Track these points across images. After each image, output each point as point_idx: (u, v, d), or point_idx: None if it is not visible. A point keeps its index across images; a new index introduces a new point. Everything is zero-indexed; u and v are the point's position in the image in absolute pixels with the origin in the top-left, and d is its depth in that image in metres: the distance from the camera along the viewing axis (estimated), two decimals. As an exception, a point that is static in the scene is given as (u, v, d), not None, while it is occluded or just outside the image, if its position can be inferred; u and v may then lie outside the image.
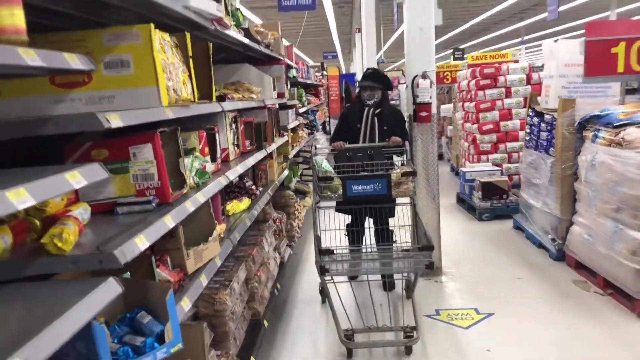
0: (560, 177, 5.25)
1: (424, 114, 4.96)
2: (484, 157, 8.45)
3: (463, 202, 7.83)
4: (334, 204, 4.46)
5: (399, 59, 34.08)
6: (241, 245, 3.92)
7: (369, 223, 4.80)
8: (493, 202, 7.13)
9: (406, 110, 5.38)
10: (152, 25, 1.99)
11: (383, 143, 4.66)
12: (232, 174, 3.05)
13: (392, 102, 5.67)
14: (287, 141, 5.66)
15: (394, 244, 4.59)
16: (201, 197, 2.39)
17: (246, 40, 3.69)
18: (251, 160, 3.67)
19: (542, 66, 7.47)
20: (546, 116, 5.69)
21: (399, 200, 4.45)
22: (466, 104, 9.17)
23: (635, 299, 3.99)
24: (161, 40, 2.08)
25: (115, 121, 1.57)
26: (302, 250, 6.16)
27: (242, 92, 3.77)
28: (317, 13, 14.74)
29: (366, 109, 4.81)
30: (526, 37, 25.53)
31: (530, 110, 6.33)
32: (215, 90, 2.95)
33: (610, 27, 5.25)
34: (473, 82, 8.73)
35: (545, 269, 5.15)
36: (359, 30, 16.92)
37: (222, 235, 2.90)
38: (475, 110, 8.55)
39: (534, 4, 18.63)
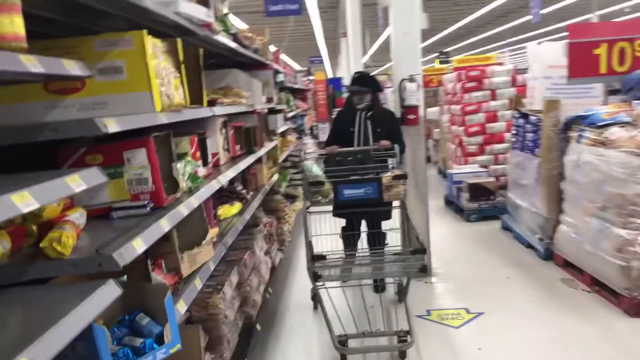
0: (546, 177, 5.32)
1: (411, 116, 5.02)
2: (470, 159, 8.52)
3: (451, 203, 7.90)
4: (324, 208, 4.42)
5: (384, 63, 34.24)
6: (232, 249, 3.93)
7: (359, 226, 4.80)
8: (481, 203, 7.20)
9: (394, 113, 5.42)
10: (144, 32, 2.02)
11: (374, 146, 4.62)
12: (224, 178, 3.08)
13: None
14: (277, 146, 5.69)
15: (386, 247, 4.60)
16: (194, 201, 2.41)
17: (235, 46, 3.72)
18: (242, 165, 3.70)
19: (527, 68, 7.57)
20: (531, 117, 5.77)
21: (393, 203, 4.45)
22: (452, 106, 9.26)
23: (621, 295, 4.07)
24: (153, 46, 2.11)
25: (112, 126, 1.60)
26: (292, 255, 6.18)
27: (232, 96, 3.79)
28: (302, 18, 14.80)
29: (358, 112, 4.78)
30: (510, 40, 25.79)
31: (515, 112, 6.41)
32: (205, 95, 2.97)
33: (592, 29, 5.37)
34: (459, 85, 8.83)
35: (533, 268, 5.22)
36: (345, 35, 17.02)
37: (214, 240, 2.92)
38: (462, 112, 8.64)
39: (518, 7, 18.83)
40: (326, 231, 4.47)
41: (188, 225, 2.49)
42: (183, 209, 2.23)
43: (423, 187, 5.23)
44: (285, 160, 6.92)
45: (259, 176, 4.65)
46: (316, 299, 4.37)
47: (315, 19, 16.60)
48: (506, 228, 6.51)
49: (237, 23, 12.72)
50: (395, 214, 4.70)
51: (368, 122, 4.77)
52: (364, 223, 4.81)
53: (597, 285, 4.43)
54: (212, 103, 3.19)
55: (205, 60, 3.08)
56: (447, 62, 18.26)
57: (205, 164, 3.03)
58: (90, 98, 2.01)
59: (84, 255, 1.59)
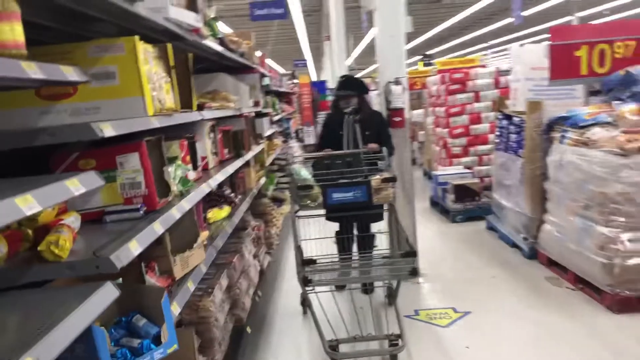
0: (530, 177, 5.41)
1: (397, 119, 5.08)
2: (455, 160, 8.61)
3: (437, 205, 7.98)
4: (313, 212, 4.38)
5: (368, 65, 34.40)
6: (222, 253, 3.95)
7: (352, 230, 4.77)
8: (466, 204, 7.29)
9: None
10: (136, 38, 2.04)
11: (362, 149, 4.56)
12: (214, 182, 3.11)
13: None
14: (263, 149, 5.72)
15: (375, 251, 4.60)
16: (186, 204, 2.44)
17: (222, 50, 3.74)
18: (230, 169, 3.72)
19: (509, 70, 7.68)
20: (515, 119, 5.86)
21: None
22: (436, 109, 9.35)
23: (604, 292, 4.15)
24: (145, 51, 2.13)
25: (108, 130, 1.62)
26: (280, 258, 6.20)
27: (220, 100, 3.82)
28: (286, 21, 14.86)
29: (346, 116, 4.78)
30: (492, 42, 26.06)
31: (499, 113, 6.50)
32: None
33: (573, 31, 5.47)
34: (443, 87, 8.92)
35: (518, 267, 5.30)
36: (328, 38, 17.10)
37: (205, 243, 2.94)
38: (446, 114, 8.73)
39: (499, 10, 19.05)
40: (315, 235, 4.42)
41: (179, 228, 2.51)
42: (175, 212, 2.26)
43: (409, 188, 5.29)
44: (272, 163, 6.95)
45: (247, 180, 4.68)
46: (305, 303, 4.33)
47: (299, 22, 16.67)
48: (491, 228, 6.59)
49: (221, 27, 12.72)
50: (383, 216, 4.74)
51: (356, 125, 4.76)
52: (355, 226, 4.80)
53: (581, 283, 4.51)
54: (200, 107, 3.21)
55: (194, 65, 3.11)
56: (430, 64, 18.43)
57: (195, 167, 3.05)
58: (82, 103, 2.03)
59: (80, 258, 1.61)
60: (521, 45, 6.57)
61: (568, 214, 4.67)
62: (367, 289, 4.69)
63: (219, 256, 3.84)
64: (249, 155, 4.53)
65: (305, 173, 4.16)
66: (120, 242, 1.71)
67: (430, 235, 6.67)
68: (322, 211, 4.38)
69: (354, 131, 4.77)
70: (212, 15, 3.54)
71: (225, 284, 3.51)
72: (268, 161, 6.15)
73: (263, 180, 5.56)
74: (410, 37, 5.64)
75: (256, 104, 5.13)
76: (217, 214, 3.53)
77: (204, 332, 3.04)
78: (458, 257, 5.82)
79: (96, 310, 1.43)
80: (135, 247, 1.73)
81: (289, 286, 5.23)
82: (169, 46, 2.46)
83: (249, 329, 3.77)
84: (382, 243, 4.71)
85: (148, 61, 2.14)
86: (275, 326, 4.42)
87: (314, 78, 26.70)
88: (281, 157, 7.79)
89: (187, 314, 3.05)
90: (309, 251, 4.12)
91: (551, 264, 5.05)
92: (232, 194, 4.02)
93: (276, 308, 4.79)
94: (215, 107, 3.54)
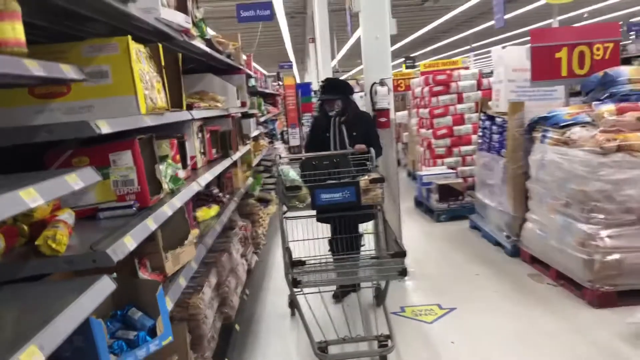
0: (512, 176, 5.52)
1: (383, 119, 5.16)
2: (439, 160, 8.71)
3: (421, 204, 8.08)
4: (300, 213, 4.32)
5: (352, 67, 34.54)
6: (210, 251, 3.98)
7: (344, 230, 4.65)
8: (450, 203, 7.39)
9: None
10: (129, 37, 2.08)
11: (350, 150, 4.57)
12: (203, 181, 3.14)
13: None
14: (250, 150, 5.75)
15: (362, 251, 4.59)
16: (177, 202, 2.48)
17: (211, 51, 3.78)
18: (218, 168, 3.76)
19: (491, 72, 7.80)
20: (497, 119, 5.97)
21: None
22: (420, 110, 9.46)
23: (585, 287, 4.26)
24: (137, 51, 2.17)
25: (104, 127, 1.66)
26: (267, 257, 6.24)
27: (208, 101, 3.85)
28: (270, 23, 14.90)
29: (332, 118, 4.77)
30: (475, 45, 26.32)
31: (481, 114, 6.62)
32: (183, 99, 3.03)
33: (554, 34, 5.60)
34: (426, 89, 9.03)
35: (501, 264, 5.40)
36: (313, 40, 17.18)
37: (195, 241, 2.98)
38: (430, 116, 8.83)
39: (482, 13, 19.27)
40: (302, 236, 4.37)
41: (171, 226, 2.55)
42: (167, 209, 2.30)
43: (395, 188, 5.36)
44: (258, 164, 6.98)
45: (235, 180, 4.71)
46: (293, 305, 4.29)
47: (283, 24, 16.71)
48: (475, 227, 6.70)
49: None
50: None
51: (342, 126, 4.76)
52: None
53: (562, 279, 4.62)
54: (189, 107, 3.25)
55: (183, 65, 3.14)
56: (413, 66, 18.59)
57: (184, 166, 3.09)
58: (76, 102, 2.06)
59: (78, 252, 1.64)
60: (503, 47, 6.68)
61: (549, 212, 4.78)
62: (355, 287, 4.70)
63: (207, 255, 3.87)
64: (236, 156, 4.57)
65: (293, 174, 4.14)
66: (115, 237, 1.75)
67: (415, 234, 6.76)
68: (311, 212, 4.34)
69: (341, 133, 4.76)
70: (200, 17, 3.58)
71: (214, 281, 3.55)
72: (254, 162, 6.19)
73: (250, 180, 5.60)
74: (393, 39, 5.71)
75: (243, 104, 5.17)
76: (206, 212, 3.57)
77: (194, 329, 3.07)
78: (442, 256, 5.91)
79: (94, 302, 1.47)
80: (130, 242, 1.77)
81: (275, 285, 5.28)
82: (160, 46, 2.50)
83: (237, 327, 3.81)
84: (368, 243, 4.73)
85: (140, 61, 2.18)
86: (263, 324, 4.46)
87: (299, 80, 26.76)
88: (267, 158, 7.82)
89: (178, 311, 3.08)
90: (297, 253, 4.09)
91: (533, 261, 5.16)
92: (221, 194, 4.06)
93: (264, 307, 4.83)
94: (204, 107, 3.58)
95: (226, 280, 3.84)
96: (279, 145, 11.00)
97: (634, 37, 14.19)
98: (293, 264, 3.64)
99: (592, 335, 3.78)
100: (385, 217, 4.38)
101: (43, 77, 1.32)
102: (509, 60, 6.28)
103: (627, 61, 10.67)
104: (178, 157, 2.93)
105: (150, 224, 2.03)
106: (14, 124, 2.00)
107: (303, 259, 3.77)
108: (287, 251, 3.88)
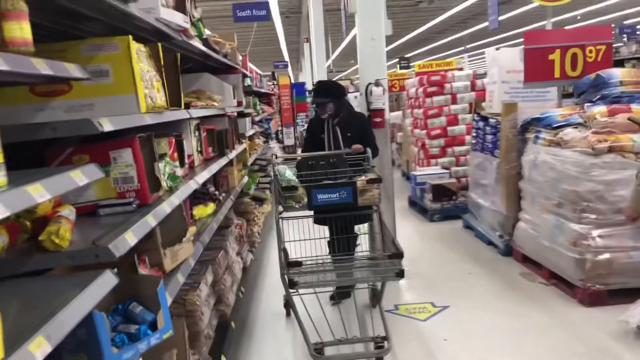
0: (505, 176, 5.57)
1: (378, 119, 5.20)
2: (433, 161, 8.76)
3: (415, 204, 8.13)
4: (296, 214, 4.24)
5: (347, 68, 34.61)
6: (206, 249, 4.01)
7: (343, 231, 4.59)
8: (443, 203, 7.45)
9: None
10: (130, 37, 2.11)
11: (346, 150, 4.52)
12: (200, 179, 3.18)
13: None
14: (246, 149, 5.79)
15: (357, 252, 4.57)
16: (175, 199, 2.51)
17: (208, 50, 3.82)
18: (215, 166, 3.79)
19: (485, 73, 7.86)
20: (491, 120, 6.03)
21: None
22: (415, 110, 9.51)
23: (576, 286, 4.32)
24: (138, 50, 2.21)
25: (107, 125, 1.70)
26: (262, 256, 6.28)
27: (204, 100, 3.88)
28: (265, 23, 14.94)
29: (326, 120, 4.76)
30: (469, 46, 26.45)
31: (475, 115, 6.67)
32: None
33: (547, 36, 5.65)
34: (421, 89, 9.07)
35: (494, 263, 5.45)
36: (307, 40, 17.22)
37: (192, 238, 3.01)
38: (424, 116, 8.88)
39: (476, 14, 19.38)
40: (298, 236, 4.33)
41: (169, 223, 2.58)
42: (166, 207, 2.33)
43: (389, 188, 5.41)
44: (253, 163, 7.02)
45: (231, 178, 4.74)
46: (289, 305, 4.25)
47: (278, 24, 16.74)
48: (468, 227, 6.75)
49: (201, 28, 12.72)
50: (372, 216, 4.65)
51: (337, 128, 4.74)
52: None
53: (554, 278, 4.68)
54: (187, 106, 3.28)
55: (180, 65, 3.17)
56: (407, 67, 18.67)
57: (182, 165, 3.12)
58: (77, 100, 2.09)
59: (81, 247, 1.68)
60: (497, 48, 6.74)
61: (542, 212, 4.84)
62: (350, 291, 4.66)
63: (204, 252, 3.90)
64: (232, 155, 4.60)
65: (289, 174, 4.09)
66: (116, 233, 1.78)
67: (409, 233, 6.81)
68: (307, 212, 4.27)
69: (335, 134, 4.75)
70: (198, 17, 3.61)
71: (211, 279, 3.58)
72: (250, 161, 6.23)
73: (245, 179, 5.63)
74: (388, 40, 5.75)
75: (239, 103, 5.20)
76: (202, 210, 3.60)
77: (191, 326, 3.10)
78: (436, 255, 5.96)
79: (97, 296, 1.51)
80: (131, 238, 1.80)
81: (270, 283, 5.32)
82: (159, 46, 2.53)
83: (233, 324, 3.84)
84: (364, 244, 4.75)
85: (141, 60, 2.21)
86: (259, 323, 4.50)
87: (293, 80, 26.78)
88: (262, 158, 7.87)
89: (175, 308, 3.11)
90: (293, 253, 4.05)
91: (525, 260, 5.22)
92: (217, 192, 4.09)
93: (259, 305, 4.87)
94: (201, 106, 3.61)
95: (222, 277, 3.88)
96: (274, 144, 11.04)
97: (626, 39, 14.31)
98: (289, 265, 3.62)
99: (583, 333, 3.84)
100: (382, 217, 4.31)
101: (49, 76, 1.35)
102: (503, 62, 6.34)
103: (619, 63, 10.78)
104: (176, 155, 2.96)
105: (150, 220, 2.07)
106: (15, 121, 2.03)
107: (299, 259, 3.74)
108: (283, 251, 3.85)
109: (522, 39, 5.56)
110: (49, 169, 1.49)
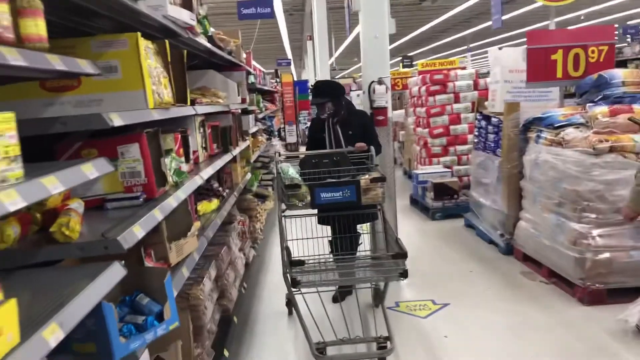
0: (507, 175, 5.61)
1: (380, 117, 5.23)
2: (435, 159, 8.80)
3: (416, 203, 8.16)
4: (299, 212, 4.21)
5: (350, 66, 34.61)
6: (210, 245, 4.05)
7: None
8: (445, 202, 7.48)
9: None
10: (138, 34, 2.15)
11: (350, 148, 4.50)
12: (205, 174, 3.22)
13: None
14: (249, 146, 5.83)
15: (359, 251, 4.56)
16: (181, 194, 2.55)
17: (213, 48, 3.85)
18: (219, 163, 3.83)
19: (488, 73, 7.89)
20: (493, 119, 6.06)
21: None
22: (417, 109, 9.53)
23: (576, 285, 4.35)
24: (146, 47, 2.24)
25: (116, 120, 1.74)
26: (264, 253, 6.32)
27: (209, 96, 3.92)
28: (269, 20, 14.97)
29: (326, 120, 4.75)
30: (472, 45, 26.44)
31: (478, 114, 6.70)
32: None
33: (550, 36, 5.68)
34: (423, 88, 9.10)
35: (495, 262, 5.49)
36: (310, 38, 17.25)
37: (197, 233, 3.05)
38: (426, 115, 8.91)
39: (479, 13, 19.38)
40: (301, 235, 4.28)
41: (174, 217, 2.62)
42: (172, 201, 2.37)
43: (391, 187, 5.44)
44: (255, 161, 7.06)
45: (234, 175, 4.78)
46: (291, 304, 4.22)
47: (282, 22, 16.77)
48: (469, 225, 6.79)
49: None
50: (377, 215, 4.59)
51: (337, 126, 4.73)
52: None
53: (554, 277, 4.71)
54: (192, 102, 3.32)
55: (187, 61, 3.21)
56: (411, 65, 18.69)
57: (187, 160, 3.15)
58: (85, 95, 2.13)
59: (90, 239, 1.72)
60: (500, 48, 6.76)
61: (543, 211, 4.87)
62: (350, 291, 4.64)
63: (207, 248, 3.94)
64: (236, 151, 4.64)
65: (292, 172, 4.07)
66: (125, 226, 1.82)
67: (410, 232, 6.84)
68: (309, 211, 4.25)
69: (336, 133, 4.74)
70: (204, 14, 3.65)
71: (214, 274, 3.62)
72: (253, 158, 6.27)
73: (248, 176, 5.67)
74: (391, 39, 5.77)
75: (243, 101, 5.24)
76: (206, 206, 3.64)
77: (194, 320, 3.14)
78: (437, 253, 6.00)
79: (107, 286, 1.55)
80: (139, 231, 1.84)
81: (272, 280, 5.36)
82: (167, 43, 2.57)
83: (235, 319, 3.88)
84: (367, 243, 4.75)
85: (149, 57, 2.25)
86: (261, 318, 4.54)
87: (296, 77, 26.81)
88: (265, 155, 7.90)
89: (179, 302, 3.14)
90: (295, 251, 4.06)
91: (526, 259, 5.25)
92: (220, 188, 4.13)
93: (261, 301, 4.91)
94: (206, 102, 3.65)
95: (225, 273, 3.92)
96: (276, 142, 11.07)
97: (630, 40, 14.32)
98: (292, 264, 3.59)
99: (582, 331, 3.87)
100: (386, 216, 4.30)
101: (62, 71, 1.39)
102: (506, 61, 6.37)
103: (622, 64, 10.78)
104: (181, 151, 2.99)
105: (157, 214, 2.11)
106: (25, 116, 2.06)
107: (302, 258, 3.71)
108: (285, 250, 3.83)
109: (525, 39, 5.59)
110: (61, 162, 1.52)
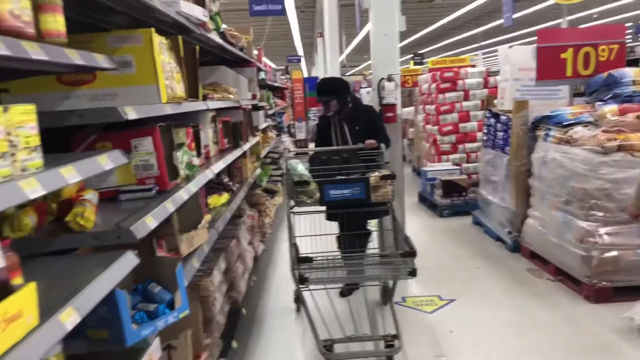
0: (515, 173, 5.62)
1: (389, 114, 5.27)
2: (444, 157, 8.81)
3: (425, 200, 8.19)
4: (307, 208, 4.19)
5: (361, 63, 34.58)
6: (220, 238, 4.10)
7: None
8: (453, 199, 7.50)
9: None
10: (152, 30, 2.20)
11: (360, 145, 4.46)
12: (216, 169, 3.27)
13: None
14: (259, 141, 5.88)
15: (368, 249, 4.56)
16: (193, 187, 2.60)
17: (225, 44, 3.90)
18: (230, 157, 3.89)
19: (498, 71, 7.88)
20: (502, 117, 6.07)
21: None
22: (427, 106, 9.55)
23: (582, 283, 4.37)
24: (159, 43, 2.29)
25: (131, 113, 1.79)
26: (273, 247, 6.37)
27: (221, 92, 3.97)
28: (279, 17, 15.00)
29: (332, 117, 4.76)
30: (483, 43, 26.34)
31: (487, 111, 6.71)
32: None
33: (560, 34, 5.68)
34: (434, 85, 9.12)
35: (502, 259, 5.51)
36: (321, 35, 17.25)
37: (207, 225, 3.10)
38: (436, 112, 8.92)
39: (490, 11, 19.30)
40: (309, 231, 4.29)
41: (185, 210, 2.67)
42: (183, 194, 2.42)
43: (400, 184, 5.46)
44: (265, 156, 7.11)
45: (244, 170, 4.83)
46: (299, 300, 4.26)
47: (293, 18, 16.79)
48: (477, 223, 6.81)
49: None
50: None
51: (343, 123, 4.71)
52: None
53: (561, 275, 4.73)
54: (204, 97, 3.37)
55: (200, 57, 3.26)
56: (421, 63, 18.67)
57: (198, 154, 3.21)
58: (100, 90, 2.18)
59: (104, 229, 1.77)
60: (510, 46, 6.77)
61: (550, 209, 4.89)
62: (347, 290, 4.66)
63: (217, 241, 3.99)
64: (246, 146, 4.69)
65: (301, 168, 4.07)
66: (137, 217, 1.87)
67: (418, 229, 6.86)
68: (318, 207, 4.23)
69: (342, 128, 4.72)
70: (216, 10, 3.70)
71: (224, 266, 3.68)
72: (263, 153, 6.32)
73: (258, 171, 5.72)
74: (402, 36, 5.80)
75: (254, 96, 5.29)
76: (217, 200, 3.69)
77: (204, 311, 3.20)
78: (444, 250, 6.03)
79: (120, 274, 1.60)
80: (151, 222, 1.89)
81: (281, 274, 5.41)
82: (180, 39, 2.62)
83: (244, 311, 3.94)
84: (376, 240, 4.78)
85: (162, 52, 2.30)
86: (269, 311, 4.59)
87: (306, 74, 26.84)
88: (274, 151, 7.96)
89: (189, 293, 3.19)
90: (304, 248, 4.04)
91: (533, 256, 5.27)
92: (230, 183, 4.18)
93: (270, 295, 4.97)
94: (217, 98, 3.70)
95: (234, 265, 3.97)
96: (286, 138, 11.13)
97: (642, 39, 14.22)
98: (300, 260, 3.59)
99: (588, 329, 3.89)
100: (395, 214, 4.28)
101: (79, 66, 1.44)
102: (515, 60, 6.37)
103: (634, 63, 10.71)
104: (193, 145, 3.05)
105: (169, 206, 2.16)
106: (42, 109, 2.12)
107: (310, 255, 3.70)
108: (293, 247, 3.83)
109: (536, 37, 5.59)
110: (77, 154, 1.58)
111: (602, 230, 4.29)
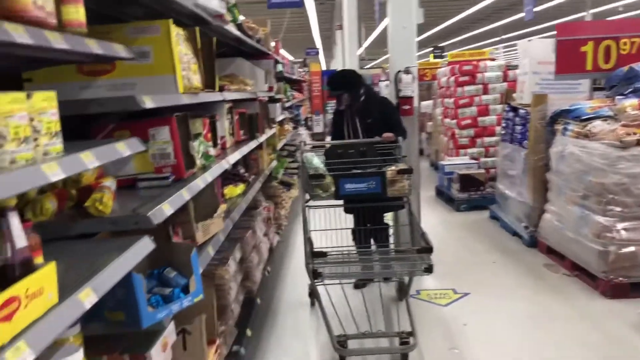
0: (533, 168, 5.59)
1: (406, 107, 5.27)
2: (462, 151, 8.76)
3: (442, 194, 8.17)
4: (322, 202, 4.17)
5: (379, 56, 34.45)
6: (235, 228, 4.15)
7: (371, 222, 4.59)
8: (470, 193, 7.48)
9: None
10: (170, 21, 2.24)
11: (377, 138, 4.37)
12: (232, 159, 3.32)
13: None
14: (275, 133, 5.92)
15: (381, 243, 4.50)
16: (209, 176, 2.65)
17: (242, 36, 3.94)
18: (245, 149, 3.93)
19: (518, 65, 7.82)
20: (520, 111, 6.03)
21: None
22: (446, 100, 9.50)
23: (599, 278, 4.34)
24: (177, 34, 2.33)
25: (149, 102, 1.83)
26: (288, 238, 6.43)
27: (237, 84, 4.01)
28: (298, 9, 15.01)
29: (344, 110, 4.74)
30: (504, 36, 26.08)
31: (506, 105, 6.67)
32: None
33: (580, 27, 5.63)
34: (452, 79, 9.06)
35: (518, 254, 5.50)
36: (340, 27, 17.22)
37: (223, 215, 3.15)
38: (454, 106, 8.88)
39: (512, 4, 19.11)
40: (324, 226, 4.24)
41: (201, 199, 2.72)
42: (200, 183, 2.47)
43: (416, 178, 5.47)
44: (281, 149, 7.15)
45: (260, 161, 4.88)
46: (313, 295, 4.24)
47: (312, 11, 16.79)
48: (494, 217, 6.78)
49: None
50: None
51: (355, 116, 4.68)
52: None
53: (577, 270, 4.70)
54: (221, 89, 3.41)
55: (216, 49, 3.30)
56: (441, 56, 18.53)
57: (214, 145, 3.25)
58: (119, 79, 2.23)
59: (122, 214, 1.82)
60: (529, 40, 6.71)
61: (567, 204, 4.86)
62: (362, 282, 4.64)
63: (233, 231, 4.04)
64: (262, 138, 4.73)
65: (317, 162, 4.01)
66: (154, 204, 1.92)
67: (435, 222, 6.86)
68: (334, 201, 4.18)
69: (354, 123, 4.69)
70: (233, 2, 3.73)
71: (239, 256, 3.73)
72: (279, 145, 6.36)
73: (274, 163, 5.76)
74: (421, 29, 5.79)
75: (270, 89, 5.32)
76: (232, 190, 3.74)
77: (219, 299, 3.25)
78: (460, 244, 6.02)
79: (136, 258, 1.65)
80: (167, 209, 1.94)
81: (296, 265, 5.46)
82: (197, 30, 2.66)
83: (259, 301, 3.99)
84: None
85: (179, 43, 2.34)
86: (283, 302, 4.64)
87: (324, 67, 26.83)
88: (290, 143, 8.00)
89: (204, 282, 3.26)
90: (318, 242, 3.99)
91: (550, 251, 5.24)
92: (246, 174, 4.23)
93: (285, 286, 5.02)
94: (234, 89, 3.74)
95: (250, 255, 4.02)
96: (303, 131, 11.15)
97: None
98: (314, 255, 3.57)
99: (604, 324, 3.87)
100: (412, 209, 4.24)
101: (99, 55, 1.48)
102: (535, 53, 6.32)
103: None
104: (210, 135, 3.09)
105: (185, 194, 2.21)
106: (63, 97, 2.18)
107: (324, 249, 3.66)
108: (308, 241, 3.81)
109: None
110: (96, 141, 1.62)
111: (620, 225, 4.25)
